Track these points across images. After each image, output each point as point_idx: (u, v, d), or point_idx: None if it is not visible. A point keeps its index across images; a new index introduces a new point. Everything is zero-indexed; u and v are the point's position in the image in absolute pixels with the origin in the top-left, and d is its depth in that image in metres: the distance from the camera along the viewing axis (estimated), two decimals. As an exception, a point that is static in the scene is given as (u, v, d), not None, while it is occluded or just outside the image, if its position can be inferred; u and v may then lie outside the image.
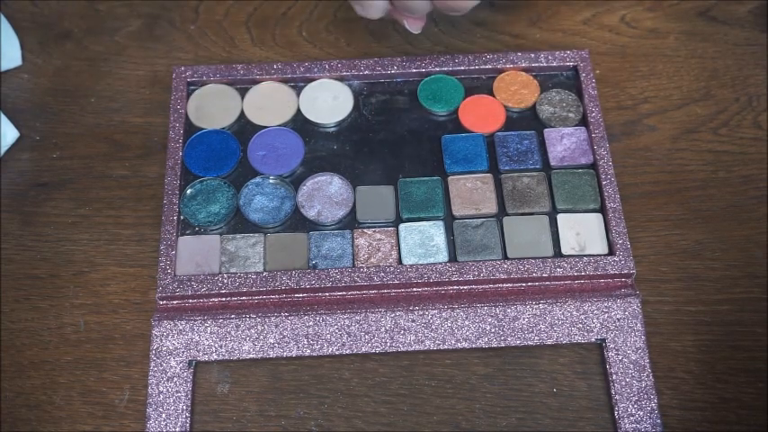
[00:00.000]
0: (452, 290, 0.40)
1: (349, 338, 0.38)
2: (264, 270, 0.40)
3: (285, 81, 0.45)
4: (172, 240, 0.40)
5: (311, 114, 0.44)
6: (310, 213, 0.41)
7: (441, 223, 0.41)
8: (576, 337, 0.38)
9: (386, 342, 0.38)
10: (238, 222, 0.41)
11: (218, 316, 0.39)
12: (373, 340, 0.38)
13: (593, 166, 0.42)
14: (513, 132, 0.43)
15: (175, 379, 0.38)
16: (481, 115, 0.44)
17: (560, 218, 0.41)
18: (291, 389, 0.38)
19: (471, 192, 0.42)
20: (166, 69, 0.47)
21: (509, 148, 0.43)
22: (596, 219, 0.41)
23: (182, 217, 0.41)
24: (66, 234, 0.42)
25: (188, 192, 0.42)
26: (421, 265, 0.39)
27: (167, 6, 0.50)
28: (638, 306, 0.39)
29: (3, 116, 0.44)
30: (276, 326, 0.39)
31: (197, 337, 0.38)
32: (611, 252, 0.40)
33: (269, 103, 0.44)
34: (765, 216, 0.42)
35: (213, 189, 0.42)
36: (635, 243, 0.41)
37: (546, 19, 0.49)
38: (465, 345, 0.38)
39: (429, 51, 0.47)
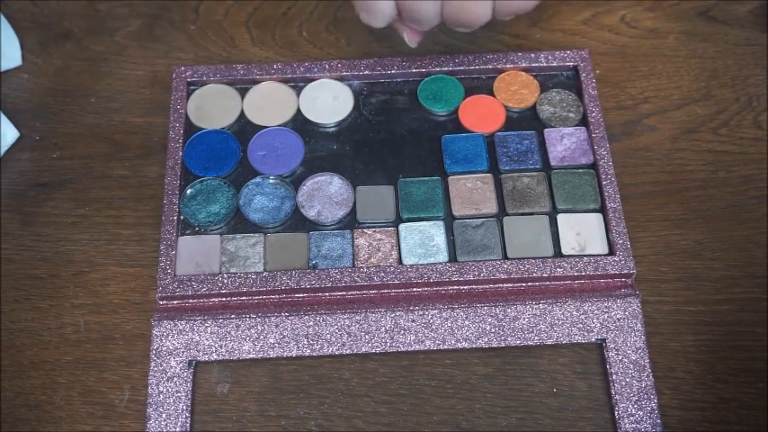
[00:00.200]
0: (452, 290, 0.40)
1: (349, 338, 0.38)
2: (264, 270, 0.40)
3: (285, 81, 0.45)
4: (172, 240, 0.40)
5: (311, 114, 0.44)
6: (310, 213, 0.41)
7: (441, 223, 0.41)
8: (576, 337, 0.38)
9: (386, 342, 0.38)
10: (238, 222, 0.41)
11: (218, 316, 0.39)
12: (373, 340, 0.38)
13: (594, 166, 0.42)
14: (513, 132, 0.43)
15: (175, 379, 0.38)
16: (481, 115, 0.44)
17: (560, 218, 0.41)
18: (291, 389, 0.38)
19: (471, 192, 0.42)
20: (166, 69, 0.47)
21: (509, 148, 0.43)
22: (596, 219, 0.41)
23: (182, 217, 0.41)
24: (66, 234, 0.42)
25: (188, 192, 0.42)
26: (421, 265, 0.39)
27: (167, 6, 0.50)
28: (638, 306, 0.39)
29: (3, 116, 0.44)
30: (276, 326, 0.39)
31: (197, 337, 0.38)
32: (612, 252, 0.40)
33: (269, 103, 0.44)
34: (765, 216, 0.42)
35: (213, 189, 0.42)
36: (635, 243, 0.41)
37: (546, 19, 0.49)
38: (465, 345, 0.38)
39: (429, 51, 0.47)
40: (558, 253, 0.40)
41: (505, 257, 0.40)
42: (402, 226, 0.41)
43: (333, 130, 0.44)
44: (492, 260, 0.39)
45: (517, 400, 0.38)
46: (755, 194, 0.43)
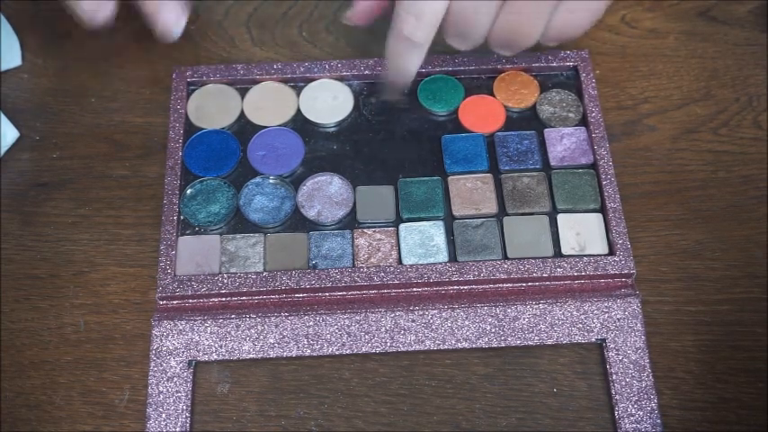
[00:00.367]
0: (452, 290, 0.40)
1: (349, 338, 0.38)
2: (264, 270, 0.40)
3: (285, 81, 0.45)
4: (172, 240, 0.40)
5: (311, 114, 0.44)
6: (310, 213, 0.41)
7: (441, 223, 0.41)
8: (576, 337, 0.38)
9: (386, 342, 0.38)
10: (238, 222, 0.41)
11: (218, 316, 0.39)
12: (373, 340, 0.38)
13: (594, 166, 0.42)
14: (513, 132, 0.43)
15: (175, 379, 0.38)
16: (481, 115, 0.44)
17: (560, 218, 0.41)
18: (291, 389, 0.38)
19: (471, 192, 0.42)
20: (166, 69, 0.47)
21: (509, 148, 0.43)
22: (596, 219, 0.41)
23: (182, 217, 0.41)
24: (66, 234, 0.42)
25: (188, 192, 0.42)
26: (421, 265, 0.39)
27: (167, 6, 0.50)
28: (638, 306, 0.39)
29: (3, 116, 0.44)
30: (276, 326, 0.39)
31: (197, 337, 0.38)
32: (612, 252, 0.40)
33: (269, 103, 0.44)
34: (765, 216, 0.42)
35: (213, 189, 0.42)
36: (635, 243, 0.41)
37: (546, 19, 0.49)
38: (465, 345, 0.38)
39: (429, 51, 0.47)
40: (557, 253, 0.40)
41: (505, 257, 0.40)
42: (402, 226, 0.41)
43: (333, 130, 0.44)
44: (492, 260, 0.39)
45: (517, 400, 0.38)
46: (755, 194, 0.43)
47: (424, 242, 0.40)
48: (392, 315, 0.39)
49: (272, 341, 0.38)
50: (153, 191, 0.43)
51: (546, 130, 0.43)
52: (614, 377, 0.38)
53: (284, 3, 0.50)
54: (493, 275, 0.39)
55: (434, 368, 0.39)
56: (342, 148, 0.43)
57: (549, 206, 0.41)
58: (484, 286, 0.40)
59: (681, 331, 0.39)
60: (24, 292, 0.41)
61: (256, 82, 0.45)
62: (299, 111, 0.44)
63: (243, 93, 0.45)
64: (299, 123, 0.44)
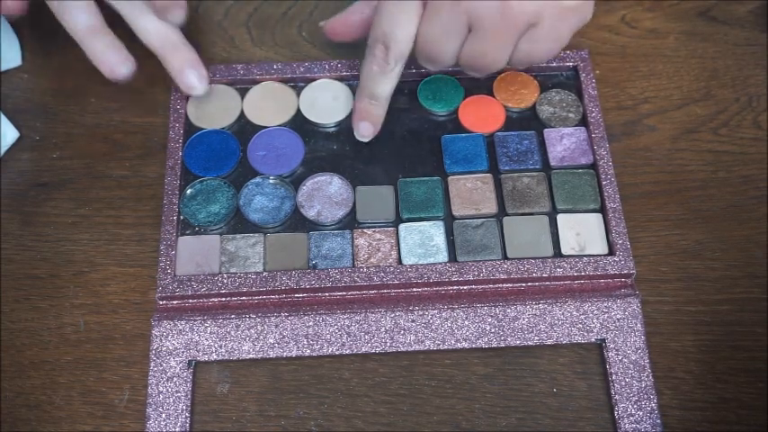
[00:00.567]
0: (452, 290, 0.40)
1: (349, 338, 0.38)
2: (264, 270, 0.40)
3: (285, 81, 0.45)
4: (172, 240, 0.40)
5: (311, 114, 0.44)
6: (310, 213, 0.41)
7: (441, 223, 0.41)
8: (576, 337, 0.38)
9: (386, 342, 0.38)
10: (238, 222, 0.41)
11: (218, 316, 0.39)
12: (373, 340, 0.38)
13: (593, 166, 0.42)
14: (512, 132, 0.43)
15: (175, 379, 0.38)
16: (481, 115, 0.44)
17: (560, 218, 0.41)
18: (291, 389, 0.38)
19: (471, 192, 0.42)
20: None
21: (509, 148, 0.43)
22: (596, 219, 0.41)
23: (182, 217, 0.41)
24: (66, 234, 0.42)
25: (188, 192, 0.42)
26: (421, 265, 0.39)
27: (167, 6, 0.50)
28: (637, 306, 0.39)
29: (3, 116, 0.44)
30: (276, 326, 0.39)
31: (197, 337, 0.38)
32: (611, 252, 0.40)
33: (269, 103, 0.44)
34: (765, 216, 0.42)
35: (213, 189, 0.42)
36: (635, 243, 0.41)
37: (546, 19, 0.49)
38: (465, 345, 0.38)
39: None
40: (557, 253, 0.40)
41: (505, 257, 0.40)
42: (402, 226, 0.41)
43: (333, 130, 0.44)
44: (492, 260, 0.39)
45: (517, 400, 0.38)
46: (755, 194, 0.43)
47: (423, 242, 0.40)
48: (392, 315, 0.39)
49: (271, 341, 0.38)
50: (153, 191, 0.43)
51: (546, 130, 0.43)
52: (614, 377, 0.38)
53: (284, 3, 0.50)
54: (493, 275, 0.39)
55: (434, 368, 0.39)
56: (342, 148, 0.43)
57: (549, 206, 0.41)
58: (484, 286, 0.40)
59: (681, 331, 0.39)
60: (24, 292, 0.41)
61: (256, 82, 0.45)
62: (298, 111, 0.44)
63: (243, 93, 0.45)
64: (299, 123, 0.44)
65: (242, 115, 0.44)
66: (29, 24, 0.49)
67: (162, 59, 0.41)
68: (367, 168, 0.43)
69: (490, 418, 0.37)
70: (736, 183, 0.43)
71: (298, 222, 0.41)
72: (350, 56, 0.47)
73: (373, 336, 0.39)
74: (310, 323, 0.39)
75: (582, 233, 0.41)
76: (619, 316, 0.39)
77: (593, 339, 0.39)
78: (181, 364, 0.38)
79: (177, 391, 0.38)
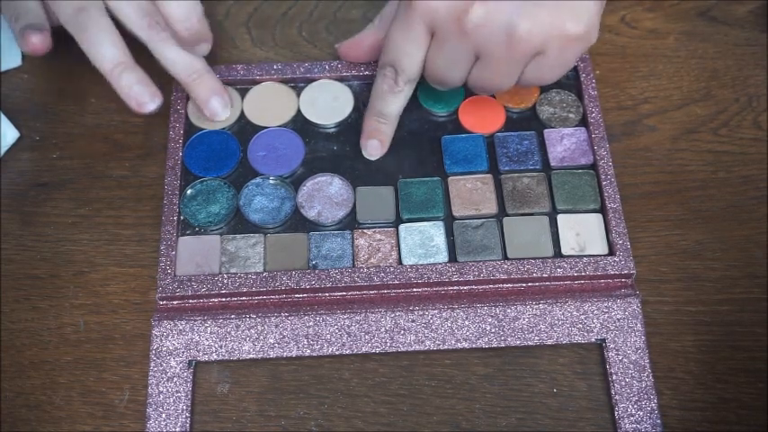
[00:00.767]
0: (452, 290, 0.40)
1: (349, 338, 0.38)
2: (264, 270, 0.40)
3: (285, 81, 0.45)
4: (172, 240, 0.40)
5: (311, 115, 0.44)
6: (310, 214, 0.41)
7: (441, 224, 0.41)
8: (576, 338, 0.38)
9: (386, 342, 0.38)
10: (238, 223, 0.41)
11: (218, 316, 0.39)
12: (373, 340, 0.38)
13: (594, 166, 0.42)
14: (513, 133, 0.43)
15: (175, 379, 0.38)
16: (481, 116, 0.44)
17: (560, 218, 0.41)
18: (291, 389, 0.38)
19: (471, 192, 0.42)
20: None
21: (509, 148, 0.43)
22: (596, 219, 0.41)
23: (182, 217, 0.41)
24: (66, 234, 0.42)
25: (188, 192, 0.42)
26: (421, 265, 0.39)
27: (167, 6, 0.50)
28: (638, 306, 0.39)
29: (3, 116, 0.44)
30: (276, 326, 0.39)
31: (197, 338, 0.38)
32: (612, 252, 0.40)
33: (269, 104, 0.44)
34: (765, 216, 0.42)
35: (213, 189, 0.42)
36: (635, 243, 0.41)
37: (546, 19, 0.49)
38: (465, 345, 0.38)
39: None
40: (557, 253, 0.40)
41: (505, 258, 0.40)
42: (402, 226, 0.41)
43: (333, 130, 0.44)
44: (492, 260, 0.39)
45: (517, 401, 0.38)
46: (755, 194, 0.43)
47: (424, 242, 0.40)
48: (392, 315, 0.39)
49: (272, 341, 0.38)
50: (153, 191, 0.43)
51: (546, 130, 0.43)
52: (614, 377, 0.38)
53: (284, 3, 0.50)
54: (493, 276, 0.39)
55: (434, 368, 0.39)
56: (342, 149, 0.43)
57: (549, 206, 0.41)
58: (484, 286, 0.40)
59: (681, 331, 0.39)
60: (24, 292, 0.41)
61: (256, 82, 0.45)
62: (299, 111, 0.44)
63: (243, 93, 0.45)
64: (300, 124, 0.44)
65: (242, 115, 0.44)
66: (29, 24, 0.49)
67: (187, 89, 0.42)
68: (367, 169, 0.43)
69: (490, 418, 0.38)
70: (736, 183, 0.43)
71: (298, 223, 0.41)
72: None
73: (373, 336, 0.39)
74: (310, 323, 0.39)
75: (582, 233, 0.41)
76: (619, 316, 0.39)
77: (593, 339, 0.39)
78: (181, 364, 0.38)
79: (177, 391, 0.38)
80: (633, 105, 0.46)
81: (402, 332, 0.39)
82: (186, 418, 0.37)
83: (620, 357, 0.38)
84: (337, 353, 0.38)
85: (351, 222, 0.41)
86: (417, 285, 0.39)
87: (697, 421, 0.37)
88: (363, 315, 0.39)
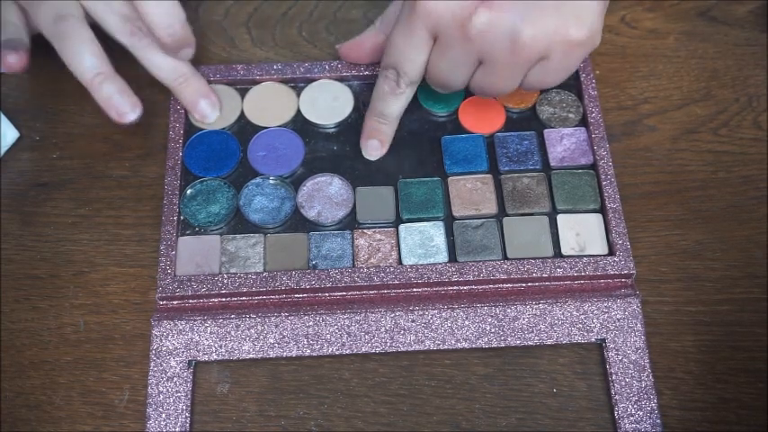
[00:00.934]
0: (452, 290, 0.40)
1: (349, 338, 0.38)
2: (264, 270, 0.40)
3: (285, 81, 0.45)
4: (172, 240, 0.40)
5: (311, 115, 0.44)
6: (310, 214, 0.41)
7: (441, 224, 0.41)
8: (576, 338, 0.38)
9: (386, 342, 0.38)
10: (238, 223, 0.41)
11: (218, 316, 0.39)
12: (373, 340, 0.38)
13: (593, 166, 0.42)
14: (512, 133, 0.43)
15: (175, 379, 0.38)
16: (481, 116, 0.44)
17: (560, 218, 0.41)
18: (291, 389, 0.38)
19: (471, 192, 0.42)
20: (166, 69, 0.47)
21: (509, 148, 0.43)
22: (596, 219, 0.41)
23: (182, 217, 0.41)
24: (66, 234, 0.42)
25: (188, 192, 0.42)
26: (421, 265, 0.39)
27: (167, 6, 0.50)
28: (637, 306, 0.39)
29: (3, 116, 0.44)
30: (276, 326, 0.39)
31: (197, 337, 0.38)
32: (611, 252, 0.40)
33: (269, 104, 0.44)
34: (765, 216, 0.42)
35: (213, 189, 0.42)
36: (635, 243, 0.41)
37: (546, 19, 0.49)
38: (465, 345, 0.38)
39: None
40: (557, 253, 0.40)
41: (505, 258, 0.40)
42: (402, 226, 0.41)
43: (333, 130, 0.44)
44: (492, 260, 0.39)
45: (517, 401, 0.38)
46: (755, 195, 0.43)
47: (424, 242, 0.40)
48: (392, 315, 0.39)
49: (271, 341, 0.38)
50: (153, 191, 0.43)
51: (546, 130, 0.43)
52: (614, 377, 0.38)
53: (284, 3, 0.50)
54: (493, 276, 0.39)
55: (434, 368, 0.39)
56: (342, 149, 0.43)
57: (549, 207, 0.41)
58: (484, 286, 0.40)
59: (681, 331, 0.39)
60: (24, 292, 0.41)
61: (256, 82, 0.45)
62: (299, 111, 0.44)
63: (243, 93, 0.45)
64: (300, 124, 0.44)
65: (242, 115, 0.44)
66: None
67: (174, 92, 0.43)
68: (367, 169, 0.43)
69: (490, 418, 0.38)
70: (736, 183, 0.43)
71: (298, 223, 0.41)
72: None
73: (373, 336, 0.39)
74: (310, 323, 0.39)
75: (582, 233, 0.41)
76: (619, 316, 0.39)
77: (593, 339, 0.39)
78: (181, 364, 0.38)
79: (177, 391, 0.38)
80: (633, 105, 0.46)
81: (402, 332, 0.39)
82: (186, 418, 0.37)
83: (620, 357, 0.38)
84: (337, 353, 0.38)
85: (351, 222, 0.41)
86: (417, 285, 0.39)
87: (697, 421, 0.37)
88: (363, 315, 0.39)
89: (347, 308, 0.39)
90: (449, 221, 0.41)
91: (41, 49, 0.49)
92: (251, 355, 0.38)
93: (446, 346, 0.38)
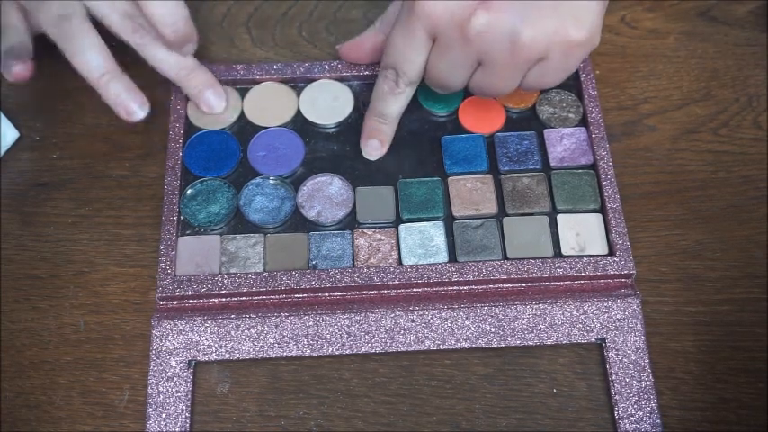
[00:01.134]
0: (452, 290, 0.40)
1: (349, 338, 0.38)
2: (264, 270, 0.40)
3: (285, 81, 0.45)
4: (172, 241, 0.40)
5: (311, 115, 0.44)
6: (310, 214, 0.41)
7: (441, 224, 0.41)
8: (576, 338, 0.38)
9: (386, 342, 0.38)
10: (238, 223, 0.41)
11: (218, 316, 0.39)
12: (373, 340, 0.38)
13: (593, 166, 0.42)
14: (512, 133, 0.43)
15: (175, 379, 0.38)
16: (481, 116, 0.44)
17: (560, 218, 0.41)
18: (291, 389, 0.38)
19: (471, 192, 0.42)
20: (166, 69, 0.47)
21: (509, 148, 0.43)
22: (596, 219, 0.41)
23: (182, 217, 0.41)
24: (66, 234, 0.42)
25: (188, 192, 0.42)
26: (421, 265, 0.39)
27: (167, 6, 0.50)
28: (637, 306, 0.39)
29: (3, 116, 0.44)
30: (276, 326, 0.39)
31: (197, 337, 0.38)
32: (611, 252, 0.40)
33: (269, 104, 0.44)
34: (765, 216, 0.42)
35: (213, 189, 0.42)
36: (635, 243, 0.41)
37: (546, 19, 0.49)
38: (465, 345, 0.38)
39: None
40: (557, 253, 0.40)
41: (505, 258, 0.40)
42: (402, 226, 0.41)
43: (333, 130, 0.44)
44: (492, 260, 0.39)
45: (517, 401, 0.38)
46: (755, 195, 0.43)
47: (423, 242, 0.40)
48: (392, 315, 0.39)
49: (271, 341, 0.38)
50: (153, 191, 0.43)
51: (546, 130, 0.43)
52: (614, 377, 0.38)
53: (284, 3, 0.50)
54: (493, 276, 0.39)
55: (434, 368, 0.39)
56: (342, 149, 0.43)
57: (549, 207, 0.41)
58: (484, 286, 0.40)
59: (681, 331, 0.39)
60: (24, 292, 0.41)
61: (256, 82, 0.45)
62: (299, 111, 0.44)
63: (243, 93, 0.45)
64: (300, 124, 0.44)
65: (242, 116, 0.44)
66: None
67: (180, 85, 0.43)
68: (367, 169, 0.43)
69: (490, 418, 0.38)
70: (736, 183, 0.43)
71: (298, 223, 0.41)
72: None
73: (373, 336, 0.39)
74: (310, 323, 0.39)
75: (582, 233, 0.41)
76: (619, 316, 0.39)
77: (593, 339, 0.39)
78: (181, 364, 0.38)
79: (177, 391, 0.38)
80: (633, 105, 0.46)
81: (402, 332, 0.39)
82: (186, 418, 0.37)
83: (620, 357, 0.38)
84: (337, 353, 0.38)
85: (351, 222, 0.41)
86: (417, 285, 0.39)
87: (697, 421, 0.37)
88: (363, 315, 0.39)
89: (347, 308, 0.39)
90: (449, 221, 0.41)
91: (41, 49, 0.49)
92: (251, 355, 0.38)
93: (446, 346, 0.38)
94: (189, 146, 0.43)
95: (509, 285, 0.40)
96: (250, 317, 0.39)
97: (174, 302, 0.39)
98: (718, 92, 0.46)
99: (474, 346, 0.38)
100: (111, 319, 0.40)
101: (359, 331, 0.39)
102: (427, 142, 0.43)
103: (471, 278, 0.39)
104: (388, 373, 0.39)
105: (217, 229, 0.41)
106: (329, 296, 0.40)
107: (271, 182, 0.42)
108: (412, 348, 0.38)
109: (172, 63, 0.42)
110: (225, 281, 0.39)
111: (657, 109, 0.46)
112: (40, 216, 0.43)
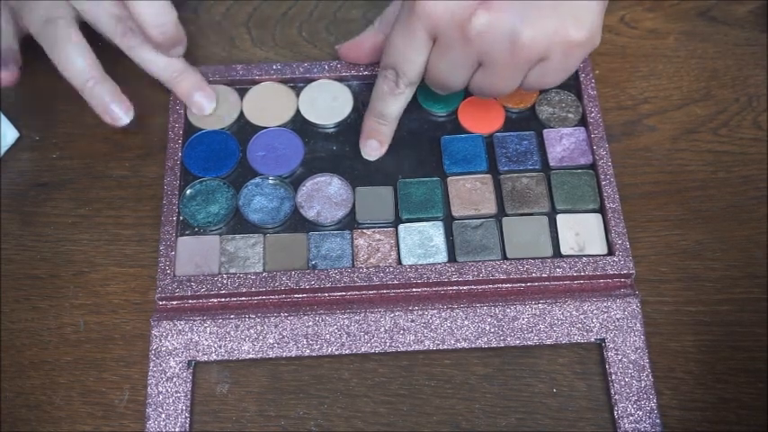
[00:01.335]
0: (452, 290, 0.40)
1: (348, 338, 0.39)
2: (264, 270, 0.40)
3: (285, 81, 0.45)
4: (171, 241, 0.40)
5: (311, 115, 0.44)
6: (310, 214, 0.41)
7: (440, 224, 0.41)
8: (576, 337, 0.38)
9: (385, 342, 0.38)
10: (238, 223, 0.41)
11: (217, 316, 0.39)
12: (373, 340, 0.38)
13: (593, 166, 0.42)
14: (512, 133, 0.43)
15: (175, 379, 0.38)
16: (480, 116, 0.44)
17: (560, 218, 0.41)
18: (291, 389, 0.38)
19: (471, 192, 0.42)
20: (166, 70, 0.47)
21: (508, 148, 0.43)
22: (596, 219, 0.41)
23: (181, 217, 0.41)
24: (66, 234, 0.42)
25: (187, 192, 0.42)
26: (420, 265, 0.39)
27: (167, 7, 0.50)
28: (637, 306, 0.39)
29: (3, 116, 0.44)
30: (276, 326, 0.39)
31: (196, 338, 0.38)
32: (611, 252, 0.40)
33: (268, 104, 0.44)
34: (765, 216, 0.42)
35: (213, 189, 0.42)
36: (635, 243, 0.41)
37: (546, 19, 0.49)
38: (464, 345, 0.38)
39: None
40: (557, 253, 0.40)
41: (505, 258, 0.40)
42: (401, 226, 0.41)
43: (332, 130, 0.44)
44: (491, 260, 0.39)
45: (517, 401, 0.38)
46: (755, 195, 0.43)
47: (423, 242, 0.40)
48: (391, 315, 0.39)
49: (271, 341, 0.38)
50: (153, 191, 0.43)
51: (545, 130, 0.43)
52: (614, 377, 0.38)
53: (284, 3, 0.50)
54: (492, 276, 0.39)
55: (434, 368, 0.39)
56: (341, 149, 0.43)
57: (549, 206, 0.41)
58: (483, 286, 0.40)
59: (680, 331, 0.39)
60: (24, 292, 0.41)
61: (256, 82, 0.45)
62: (298, 111, 0.44)
63: (242, 93, 0.45)
64: (299, 124, 0.44)
65: (241, 115, 0.44)
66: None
67: (170, 87, 0.43)
68: (366, 169, 0.43)
69: (490, 418, 0.38)
70: (736, 183, 0.43)
71: (297, 223, 0.41)
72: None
73: (373, 336, 0.39)
74: (310, 323, 0.39)
75: (581, 233, 0.41)
76: (618, 316, 0.39)
77: (592, 339, 0.39)
78: (180, 365, 0.38)
79: (177, 392, 0.38)
80: (633, 105, 0.46)
81: (401, 332, 0.39)
82: (186, 418, 0.37)
83: (620, 357, 0.38)
84: (337, 353, 0.38)
85: (350, 222, 0.41)
86: (417, 285, 0.39)
87: (697, 421, 0.37)
88: (363, 315, 0.39)
89: (347, 308, 0.39)
90: (448, 221, 0.41)
91: (41, 49, 0.49)
92: (251, 356, 0.38)
93: (446, 346, 0.38)
94: (188, 146, 0.43)
95: (508, 285, 0.40)
96: (250, 317, 0.39)
97: (174, 303, 0.39)
98: (718, 92, 0.46)
99: (473, 346, 0.38)
100: (111, 319, 0.40)
101: (358, 331, 0.39)
102: (426, 142, 0.43)
103: (471, 278, 0.39)
104: (388, 373, 0.39)
105: (216, 230, 0.41)
106: (329, 296, 0.40)
107: (270, 182, 0.42)
108: (411, 348, 0.38)
109: (161, 65, 0.42)
110: (224, 281, 0.39)
111: (657, 109, 0.46)
112: (40, 216, 0.43)
